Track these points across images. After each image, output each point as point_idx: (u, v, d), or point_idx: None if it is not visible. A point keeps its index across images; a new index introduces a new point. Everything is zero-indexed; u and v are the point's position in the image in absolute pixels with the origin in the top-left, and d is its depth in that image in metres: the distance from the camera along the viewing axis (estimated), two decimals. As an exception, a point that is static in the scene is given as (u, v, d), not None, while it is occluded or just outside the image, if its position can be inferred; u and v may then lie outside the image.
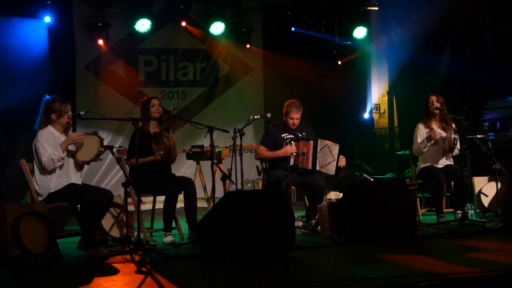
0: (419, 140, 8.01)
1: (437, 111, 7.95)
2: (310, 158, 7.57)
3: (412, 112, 9.87)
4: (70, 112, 6.26)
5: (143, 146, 6.74)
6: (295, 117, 7.75)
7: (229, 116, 11.06)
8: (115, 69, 10.98)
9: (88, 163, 6.36)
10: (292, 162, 7.57)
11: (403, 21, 10.78)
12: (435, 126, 7.98)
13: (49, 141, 6.11)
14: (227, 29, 11.10)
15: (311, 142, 7.61)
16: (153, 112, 7.03)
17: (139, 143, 6.36)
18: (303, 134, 7.84)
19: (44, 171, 6.09)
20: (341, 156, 7.69)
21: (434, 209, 8.09)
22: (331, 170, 7.66)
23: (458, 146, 7.85)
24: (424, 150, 7.97)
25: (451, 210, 8.11)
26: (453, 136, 7.74)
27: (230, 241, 5.56)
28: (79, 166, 6.34)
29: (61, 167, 6.14)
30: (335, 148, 7.66)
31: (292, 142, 7.62)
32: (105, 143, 10.17)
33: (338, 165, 7.67)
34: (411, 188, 7.71)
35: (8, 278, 5.35)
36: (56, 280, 5.27)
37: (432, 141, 7.87)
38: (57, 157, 6.03)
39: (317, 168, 7.60)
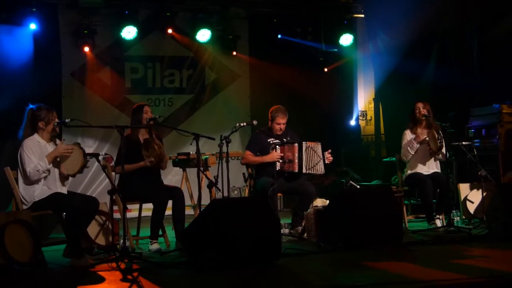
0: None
1: (424, 118, 7.96)
2: (296, 161, 7.53)
3: (398, 119, 9.91)
4: (56, 120, 6.23)
5: (132, 153, 6.71)
6: (281, 122, 7.73)
7: (216, 123, 11.03)
8: (101, 76, 10.94)
9: (73, 175, 6.33)
10: (278, 167, 7.55)
11: (389, 29, 10.83)
12: (420, 132, 7.98)
13: (35, 150, 6.06)
14: (213, 36, 11.10)
15: (296, 145, 7.56)
16: (145, 119, 6.99)
17: (127, 150, 6.34)
18: (288, 138, 7.82)
19: (29, 181, 6.04)
20: (326, 154, 7.65)
21: (420, 216, 8.10)
22: (320, 169, 7.61)
23: (444, 150, 7.85)
24: (412, 152, 7.95)
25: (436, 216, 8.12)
26: (437, 135, 7.75)
27: (216, 248, 5.55)
28: (64, 178, 6.29)
29: (46, 177, 6.10)
30: (318, 147, 7.61)
31: (277, 146, 7.60)
32: (91, 150, 10.39)
33: (326, 162, 7.64)
34: (397, 195, 7.73)
35: (-8, 286, 5.32)
36: (41, 289, 5.25)
37: (419, 143, 7.86)
38: (43, 168, 5.98)
39: (304, 170, 7.55)
